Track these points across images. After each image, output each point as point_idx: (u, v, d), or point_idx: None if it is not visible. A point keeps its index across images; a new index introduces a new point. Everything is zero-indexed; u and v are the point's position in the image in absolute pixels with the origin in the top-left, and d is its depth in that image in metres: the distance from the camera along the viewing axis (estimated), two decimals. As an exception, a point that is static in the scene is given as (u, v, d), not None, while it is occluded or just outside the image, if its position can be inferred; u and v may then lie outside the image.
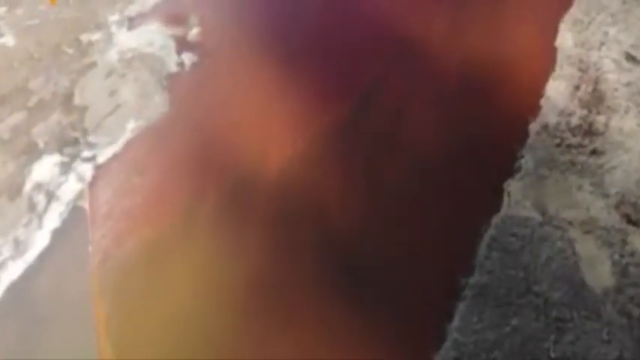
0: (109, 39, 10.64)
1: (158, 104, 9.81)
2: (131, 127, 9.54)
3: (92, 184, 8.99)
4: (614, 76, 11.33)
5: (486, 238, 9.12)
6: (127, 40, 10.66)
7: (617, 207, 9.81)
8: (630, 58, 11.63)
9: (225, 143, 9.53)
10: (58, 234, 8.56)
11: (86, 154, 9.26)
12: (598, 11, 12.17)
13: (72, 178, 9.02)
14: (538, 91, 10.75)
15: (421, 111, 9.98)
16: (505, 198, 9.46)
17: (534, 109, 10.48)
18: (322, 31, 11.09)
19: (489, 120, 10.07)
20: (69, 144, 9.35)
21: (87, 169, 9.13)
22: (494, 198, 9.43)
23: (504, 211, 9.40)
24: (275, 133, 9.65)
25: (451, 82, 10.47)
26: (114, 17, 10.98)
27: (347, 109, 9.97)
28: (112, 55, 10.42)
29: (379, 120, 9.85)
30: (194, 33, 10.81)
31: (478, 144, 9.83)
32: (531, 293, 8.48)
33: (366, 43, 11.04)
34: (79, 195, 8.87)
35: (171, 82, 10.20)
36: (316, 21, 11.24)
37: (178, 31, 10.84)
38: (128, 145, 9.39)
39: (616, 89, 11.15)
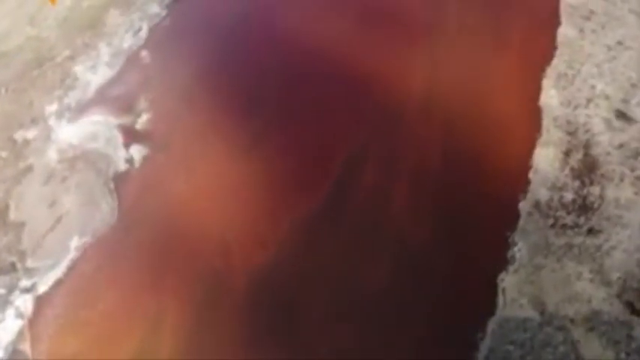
0: (47, 136, 9.59)
1: (105, 213, 8.82)
2: (75, 244, 8.58)
3: (33, 321, 7.91)
4: (605, 138, 10.65)
5: (483, 349, 8.36)
6: (67, 135, 9.63)
7: (619, 295, 9.14)
8: (621, 115, 10.96)
9: (185, 252, 8.65)
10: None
11: (25, 283, 8.24)
12: (582, 62, 11.48)
13: (9, 314, 7.94)
14: (526, 162, 10.04)
15: (402, 196, 9.25)
16: (500, 296, 8.70)
17: (523, 183, 9.76)
18: (289, 109, 10.13)
19: (476, 203, 9.34)
20: (4, 272, 8.28)
21: (27, 302, 8.04)
22: (488, 295, 8.67)
23: (500, 312, 8.65)
24: (241, 235, 8.76)
25: (434, 159, 9.69)
26: (52, 108, 9.92)
27: (320, 199, 9.14)
28: (51, 155, 9.39)
29: (357, 210, 9.07)
30: (143, 120, 9.81)
31: (466, 232, 9.10)
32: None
33: (340, 116, 10.19)
34: (19, 336, 7.79)
35: (120, 183, 9.23)
36: (281, 98, 10.25)
37: (125, 119, 9.83)
38: (73, 268, 8.40)
39: (608, 153, 10.47)
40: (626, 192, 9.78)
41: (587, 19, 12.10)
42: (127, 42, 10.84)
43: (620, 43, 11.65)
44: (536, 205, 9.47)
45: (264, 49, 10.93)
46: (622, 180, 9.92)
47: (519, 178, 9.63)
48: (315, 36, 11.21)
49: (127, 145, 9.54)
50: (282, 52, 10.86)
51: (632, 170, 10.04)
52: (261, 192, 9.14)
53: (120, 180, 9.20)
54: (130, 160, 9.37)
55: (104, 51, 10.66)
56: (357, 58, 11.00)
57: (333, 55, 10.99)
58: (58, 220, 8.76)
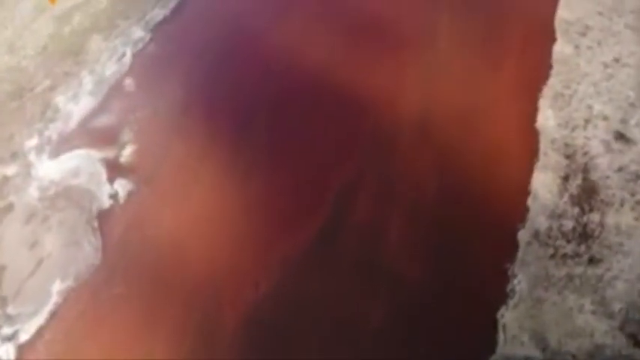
0: (27, 172, 9.25)
1: (88, 254, 8.51)
2: (57, 289, 8.22)
3: (14, 374, 7.60)
4: (604, 161, 10.41)
5: (483, 393, 8.12)
6: (48, 171, 9.29)
7: (621, 328, 8.90)
8: (619, 136, 10.72)
9: (174, 295, 8.33)
10: None
11: (6, 331, 7.92)
12: (579, 81, 11.24)
13: (-10, 367, 7.61)
14: (524, 188, 9.78)
15: (397, 230, 8.95)
16: (500, 333, 8.45)
17: (522, 211, 9.49)
18: (280, 138, 9.83)
19: (474, 234, 9.08)
20: (-16, 320, 7.90)
21: (9, 351, 7.71)
22: (488, 332, 8.41)
23: (501, 349, 8.39)
24: (232, 274, 8.45)
25: (429, 188, 9.40)
26: (32, 142, 9.56)
27: (313, 235, 8.84)
28: (32, 193, 9.05)
29: (351, 246, 8.74)
30: (127, 153, 9.47)
31: (464, 266, 8.83)
32: None
33: (333, 143, 9.88)
34: (0, 391, 7.48)
35: (104, 221, 8.86)
36: (272, 127, 9.94)
37: (109, 152, 9.48)
38: (55, 314, 8.02)
39: (608, 177, 10.23)
40: (627, 217, 9.56)
41: (583, 35, 11.87)
42: (110, 69, 10.48)
43: (616, 60, 11.43)
44: (536, 234, 9.22)
45: (255, 73, 10.60)
46: (622, 205, 9.69)
47: (517, 205, 9.37)
48: (305, 58, 10.92)
49: (110, 180, 9.18)
50: (273, 77, 10.54)
51: (632, 195, 9.81)
52: (252, 227, 8.83)
53: (104, 218, 8.85)
54: (114, 196, 9.02)
55: (86, 79, 10.30)
56: (349, 80, 10.71)
57: (325, 78, 10.70)
58: (39, 262, 8.42)
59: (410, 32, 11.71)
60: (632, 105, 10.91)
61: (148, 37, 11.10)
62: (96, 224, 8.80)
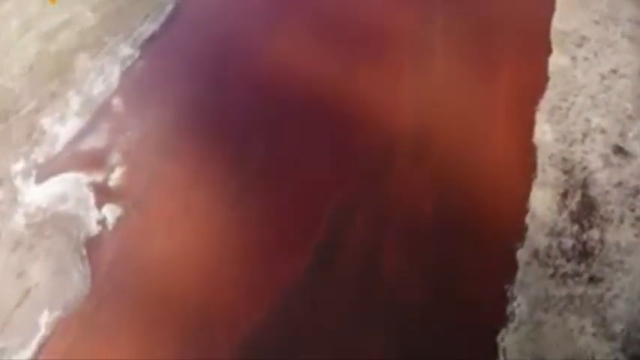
0: (13, 198, 9.02)
1: (77, 283, 8.29)
2: (45, 320, 7.97)
3: (2, 409, 7.39)
4: (603, 176, 10.26)
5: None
6: (35, 196, 9.05)
7: (623, 350, 8.75)
8: (618, 150, 10.58)
9: (166, 325, 8.08)
10: None
11: (-7, 365, 7.62)
12: (576, 93, 11.09)
13: (-24, 402, 7.40)
14: (522, 205, 9.61)
15: (393, 255, 8.76)
16: (500, 357, 8.28)
17: (520, 230, 9.32)
18: (274, 158, 9.65)
19: (472, 256, 8.91)
20: (-29, 354, 7.68)
21: (-5, 387, 7.50)
22: (489, 357, 8.24)
23: (501, 375, 8.25)
24: (225, 304, 8.28)
25: (425, 210, 9.24)
26: (18, 166, 9.33)
27: (308, 262, 8.66)
28: (18, 220, 8.83)
29: (347, 273, 8.56)
30: (116, 176, 9.24)
31: (462, 290, 8.66)
32: None
33: (328, 163, 9.71)
34: None
35: (92, 248, 8.65)
36: (265, 146, 9.77)
37: (97, 175, 9.27)
38: (44, 346, 7.81)
39: (607, 192, 10.09)
40: (627, 234, 9.42)
41: (580, 45, 11.73)
42: (98, 88, 10.24)
43: (614, 71, 11.30)
44: (535, 253, 9.07)
45: (248, 92, 10.38)
46: (622, 221, 9.55)
47: (516, 224, 9.22)
48: (299, 75, 10.72)
49: (99, 205, 8.95)
50: (267, 96, 10.32)
51: (632, 210, 9.68)
52: (246, 254, 8.64)
53: (92, 245, 8.62)
54: (102, 222, 8.79)
55: (73, 100, 10.07)
56: (344, 97, 10.52)
57: (319, 95, 10.50)
58: (27, 292, 8.21)
59: (403, 46, 11.54)
60: (630, 117, 10.79)
61: (136, 54, 10.87)
62: (84, 252, 8.59)
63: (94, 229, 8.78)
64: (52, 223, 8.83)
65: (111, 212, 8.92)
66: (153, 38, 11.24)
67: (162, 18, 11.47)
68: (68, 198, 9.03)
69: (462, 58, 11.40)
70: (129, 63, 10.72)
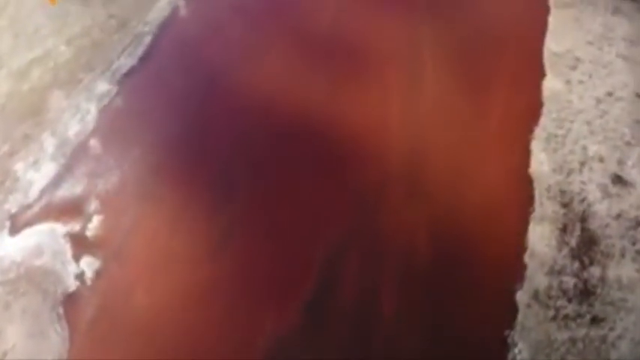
0: (-15, 252, 8.49)
1: (55, 345, 7.94)
2: (22, 387, 7.49)
3: None
4: (602, 208, 9.98)
5: None
6: (9, 250, 8.63)
7: (630, 396, 8.52)
8: (617, 179, 10.30)
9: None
10: None
11: None
12: (572, 119, 10.81)
13: None
14: (520, 242, 9.28)
15: (389, 299, 8.43)
16: (502, 411, 7.99)
17: (519, 269, 8.99)
18: (260, 197, 9.29)
19: (470, 299, 8.58)
20: None
21: None
22: (489, 409, 7.95)
23: None
24: (211, 357, 7.79)
25: (420, 248, 8.90)
26: (-9, 217, 8.82)
27: (300, 308, 8.30)
28: (-9, 277, 8.30)
29: (341, 320, 8.18)
30: (94, 225, 8.84)
31: (461, 337, 8.31)
32: None
33: (318, 200, 9.36)
34: None
35: (70, 306, 8.24)
36: (251, 184, 9.42)
37: (74, 225, 8.86)
38: (19, 417, 7.35)
39: (607, 225, 9.81)
40: (628, 269, 9.14)
41: (574, 68, 11.46)
42: (73, 129, 9.83)
43: (609, 94, 11.03)
44: (535, 295, 8.77)
45: (232, 129, 9.98)
46: (623, 256, 9.28)
47: (514, 263, 8.91)
48: (284, 108, 10.37)
49: (76, 258, 8.54)
50: (251, 132, 9.94)
51: (633, 244, 9.41)
52: (232, 304, 8.25)
53: (70, 302, 8.21)
54: (80, 277, 8.39)
55: (48, 142, 9.65)
56: (331, 129, 10.19)
57: (306, 129, 10.17)
58: (3, 356, 7.79)
59: (392, 72, 11.22)
60: (628, 144, 10.52)
61: (114, 90, 10.45)
62: (61, 310, 8.18)
63: (72, 284, 8.36)
64: (27, 278, 8.42)
65: (89, 265, 8.51)
66: (131, 73, 10.84)
67: (140, 51, 11.08)
68: (44, 251, 8.61)
69: (453, 84, 11.09)
70: (106, 100, 10.31)
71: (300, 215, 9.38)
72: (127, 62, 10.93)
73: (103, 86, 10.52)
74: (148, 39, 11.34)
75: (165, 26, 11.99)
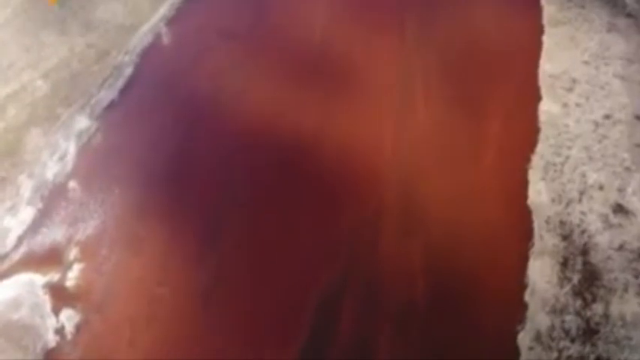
0: (-40, 307, 8.10)
1: (35, 407, 7.40)
2: None
3: None
4: (603, 239, 9.71)
5: None
6: (-16, 304, 8.14)
7: None
8: (618, 208, 10.04)
9: None
10: None
11: None
12: (569, 145, 10.54)
13: None
14: (520, 280, 9.00)
15: (388, 347, 8.12)
16: None
17: (520, 309, 8.70)
18: (249, 240, 8.97)
19: (469, 344, 8.25)
20: None
21: None
22: None
23: None
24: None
25: (417, 290, 8.59)
26: (-36, 269, 8.41)
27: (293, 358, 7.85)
28: (-33, 334, 7.90)
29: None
30: (74, 275, 8.50)
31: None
32: None
33: (311, 240, 9.05)
34: None
35: (50, 363, 7.76)
36: (239, 227, 9.07)
37: (53, 274, 8.53)
38: None
39: (609, 258, 9.55)
40: (632, 305, 8.87)
41: (570, 90, 11.19)
42: (52, 170, 9.44)
43: (607, 116, 10.77)
44: (537, 336, 8.48)
45: (218, 165, 9.67)
46: (626, 290, 9.01)
47: (515, 302, 8.63)
48: (273, 140, 10.04)
49: (56, 311, 8.17)
50: (239, 168, 9.61)
51: (637, 276, 9.14)
52: (224, 355, 7.89)
53: (51, 359, 7.84)
54: (60, 331, 8.01)
55: (25, 185, 9.26)
56: (324, 164, 9.87)
57: (296, 163, 9.84)
58: (-20, 421, 7.42)
59: (385, 100, 10.91)
60: (627, 169, 10.25)
61: (93, 126, 10.07)
62: (41, 368, 7.82)
63: (52, 339, 7.99)
64: (6, 334, 8.04)
65: (69, 319, 8.14)
66: (111, 106, 10.47)
67: (121, 83, 10.70)
68: (22, 303, 8.24)
69: (446, 112, 10.77)
70: (85, 138, 9.92)
71: (293, 257, 9.03)
72: (107, 95, 10.55)
73: (82, 122, 10.13)
74: (129, 70, 10.95)
75: (147, 55, 11.63)
